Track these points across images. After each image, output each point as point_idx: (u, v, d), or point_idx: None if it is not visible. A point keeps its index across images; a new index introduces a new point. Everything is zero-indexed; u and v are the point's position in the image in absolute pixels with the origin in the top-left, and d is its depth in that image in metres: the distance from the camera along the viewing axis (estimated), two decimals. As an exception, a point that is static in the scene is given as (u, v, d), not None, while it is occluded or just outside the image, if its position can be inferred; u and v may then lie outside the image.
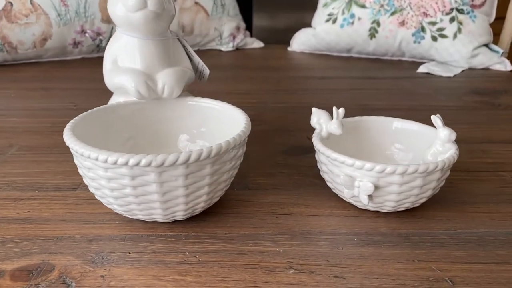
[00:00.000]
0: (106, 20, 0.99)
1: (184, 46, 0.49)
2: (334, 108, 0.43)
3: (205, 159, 0.34)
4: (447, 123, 0.40)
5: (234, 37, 1.14)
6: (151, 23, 0.44)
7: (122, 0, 0.42)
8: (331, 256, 0.34)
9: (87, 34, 0.99)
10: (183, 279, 0.32)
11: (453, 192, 0.44)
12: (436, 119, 0.39)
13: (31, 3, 0.93)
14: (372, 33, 1.02)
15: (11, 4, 0.91)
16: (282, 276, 0.32)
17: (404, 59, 1.05)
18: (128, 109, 0.45)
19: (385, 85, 0.84)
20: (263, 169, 0.49)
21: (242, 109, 0.43)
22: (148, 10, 0.42)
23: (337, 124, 0.42)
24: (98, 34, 1.00)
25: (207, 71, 0.51)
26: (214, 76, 0.88)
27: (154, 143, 0.46)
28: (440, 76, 0.91)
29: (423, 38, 0.99)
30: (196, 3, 1.07)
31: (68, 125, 0.38)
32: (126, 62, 0.45)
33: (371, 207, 0.39)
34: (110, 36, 0.94)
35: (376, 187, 0.37)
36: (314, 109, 0.44)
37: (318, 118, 0.44)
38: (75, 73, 0.91)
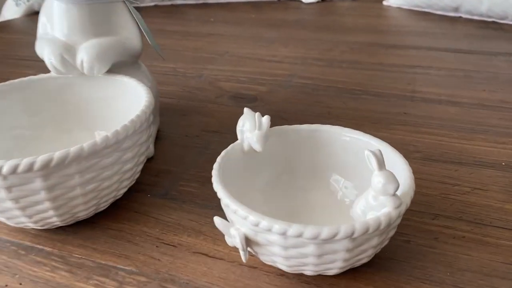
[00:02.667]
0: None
1: (131, 12, 0.40)
2: (257, 115, 0.31)
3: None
4: None
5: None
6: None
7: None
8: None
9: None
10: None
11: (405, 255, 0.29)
12: (370, 156, 0.24)
13: None
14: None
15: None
16: None
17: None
18: (54, 84, 0.40)
19: (497, 67, 0.62)
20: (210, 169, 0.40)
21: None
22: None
23: (258, 137, 0.30)
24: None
25: (158, 49, 0.42)
26: (273, 37, 0.77)
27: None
28: None
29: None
30: None
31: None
32: (53, 30, 0.39)
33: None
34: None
35: (256, 243, 0.25)
36: (245, 110, 0.33)
37: (243, 122, 0.32)
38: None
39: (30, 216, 0.30)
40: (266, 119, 0.30)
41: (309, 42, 0.74)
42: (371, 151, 0.24)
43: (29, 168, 0.26)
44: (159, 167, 0.41)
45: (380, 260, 0.29)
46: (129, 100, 0.38)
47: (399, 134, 0.45)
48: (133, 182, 0.35)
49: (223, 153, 0.30)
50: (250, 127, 0.31)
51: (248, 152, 0.31)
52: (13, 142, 0.38)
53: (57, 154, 0.27)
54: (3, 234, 0.33)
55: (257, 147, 0.30)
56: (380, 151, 0.25)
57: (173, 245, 0.31)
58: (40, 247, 0.31)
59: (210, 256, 0.30)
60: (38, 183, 0.27)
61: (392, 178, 0.24)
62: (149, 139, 0.36)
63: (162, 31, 0.83)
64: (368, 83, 0.57)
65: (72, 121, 0.40)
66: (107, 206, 0.34)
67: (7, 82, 0.38)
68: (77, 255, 0.31)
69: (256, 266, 0.29)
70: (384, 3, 0.96)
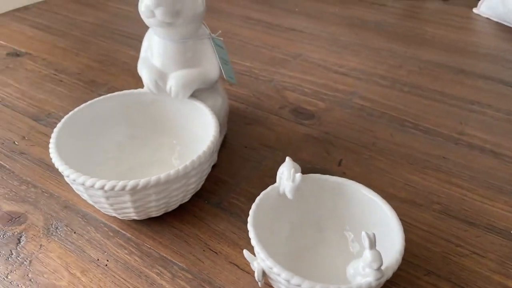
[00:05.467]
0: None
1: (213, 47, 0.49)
2: (292, 171, 0.39)
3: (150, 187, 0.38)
4: None
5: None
6: (162, 30, 0.45)
7: (139, 4, 0.44)
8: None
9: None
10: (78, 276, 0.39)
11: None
12: (365, 237, 0.32)
13: None
14: None
15: None
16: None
17: None
18: (148, 98, 0.50)
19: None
20: (258, 187, 0.49)
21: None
22: (157, 19, 0.43)
23: (291, 188, 0.38)
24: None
25: (231, 80, 0.50)
26: (348, 41, 0.80)
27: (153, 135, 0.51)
28: None
29: None
30: None
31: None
32: (152, 56, 0.48)
33: None
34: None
35: (269, 277, 0.34)
36: (287, 159, 0.41)
37: (282, 170, 0.40)
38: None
39: (117, 212, 0.41)
40: (298, 176, 0.38)
41: (381, 53, 0.78)
42: (367, 233, 0.32)
43: (122, 188, 0.37)
44: (219, 176, 0.50)
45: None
46: (201, 119, 0.47)
47: (429, 180, 0.50)
48: (198, 189, 0.46)
49: (262, 194, 0.39)
50: (287, 176, 0.39)
51: (282, 194, 0.40)
52: (114, 145, 0.49)
53: (142, 181, 0.37)
54: (100, 216, 0.45)
55: (289, 195, 0.38)
56: (373, 234, 0.32)
57: (215, 252, 0.41)
58: (123, 232, 0.43)
59: (241, 268, 0.40)
60: (126, 197, 0.38)
61: (378, 257, 0.31)
62: (211, 164, 0.45)
63: (247, 19, 0.90)
64: (422, 116, 0.61)
65: (158, 129, 0.51)
66: (175, 207, 0.45)
67: (112, 94, 0.49)
68: (147, 245, 0.42)
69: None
70: (475, 10, 0.94)
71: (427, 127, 0.59)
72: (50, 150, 0.41)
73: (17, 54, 0.76)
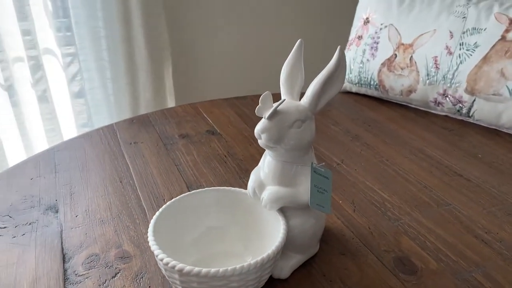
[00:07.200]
0: (470, 91, 0.94)
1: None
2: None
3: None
4: None
5: None
6: (267, 150, 0.53)
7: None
8: None
9: (447, 98, 0.99)
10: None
11: None
12: None
13: (410, 59, 1.02)
14: None
15: (396, 56, 1.05)
16: None
17: None
18: (237, 195, 0.59)
19: None
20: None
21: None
22: (262, 142, 0.51)
23: None
24: (459, 101, 0.97)
25: (321, 209, 0.53)
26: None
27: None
28: None
29: None
30: None
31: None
32: (263, 166, 0.56)
33: None
34: (471, 107, 0.92)
35: None
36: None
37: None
38: (424, 128, 0.96)
39: None
40: None
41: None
42: None
43: (188, 273, 0.45)
44: (280, 291, 0.53)
45: None
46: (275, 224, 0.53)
47: None
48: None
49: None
50: None
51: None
52: (203, 231, 0.59)
53: (212, 271, 0.45)
54: None
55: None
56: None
57: None
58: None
59: None
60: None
61: None
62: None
63: (419, 152, 0.88)
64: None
65: (238, 221, 0.59)
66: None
67: (209, 188, 0.59)
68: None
69: None
70: None
71: None
72: (149, 234, 0.51)
73: (212, 133, 0.96)
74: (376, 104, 1.12)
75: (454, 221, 0.67)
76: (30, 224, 0.65)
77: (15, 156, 1.41)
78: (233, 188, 0.59)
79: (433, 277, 0.56)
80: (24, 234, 0.63)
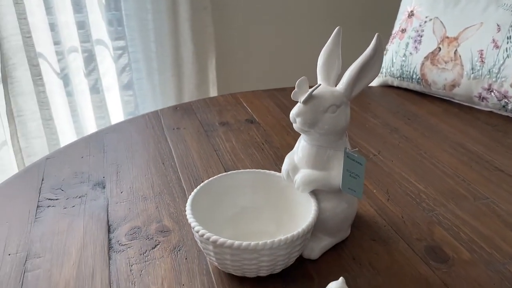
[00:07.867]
0: (517, 86, 0.91)
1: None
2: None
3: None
4: None
5: None
6: (302, 134, 0.54)
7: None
8: None
9: (492, 93, 0.96)
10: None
11: None
12: None
13: (454, 53, 1.00)
14: None
15: (439, 49, 1.03)
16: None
17: None
18: (271, 178, 0.61)
19: None
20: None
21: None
22: (297, 125, 0.53)
23: None
24: (504, 96, 0.94)
25: (353, 193, 0.54)
26: None
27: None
28: None
29: None
30: None
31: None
32: (297, 150, 0.58)
33: None
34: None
35: None
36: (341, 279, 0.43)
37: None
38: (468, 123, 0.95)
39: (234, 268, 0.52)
40: None
41: None
42: None
43: (221, 245, 0.48)
44: (310, 272, 0.55)
45: None
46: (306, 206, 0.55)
47: None
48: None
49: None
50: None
51: None
52: (237, 211, 0.61)
53: (244, 244, 0.47)
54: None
55: None
56: None
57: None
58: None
59: None
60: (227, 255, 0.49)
61: None
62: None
63: (459, 146, 0.86)
64: None
65: (272, 203, 0.61)
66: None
67: (245, 170, 0.61)
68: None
69: None
70: None
71: None
72: (186, 208, 0.54)
73: (251, 122, 0.98)
74: (418, 98, 1.10)
75: (491, 215, 0.66)
76: (79, 197, 0.70)
77: (67, 140, 1.50)
78: (268, 171, 0.61)
79: (465, 266, 0.56)
80: (74, 206, 0.68)
